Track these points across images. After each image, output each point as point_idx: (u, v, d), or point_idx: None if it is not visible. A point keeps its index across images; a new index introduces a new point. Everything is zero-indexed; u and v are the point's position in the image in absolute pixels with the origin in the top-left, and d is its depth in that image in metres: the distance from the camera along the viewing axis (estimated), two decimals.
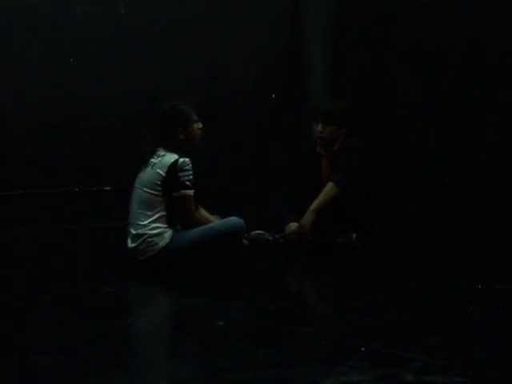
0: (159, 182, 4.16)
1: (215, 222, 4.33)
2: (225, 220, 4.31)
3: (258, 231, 4.85)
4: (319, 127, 4.91)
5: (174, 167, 4.14)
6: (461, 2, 5.73)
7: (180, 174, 4.13)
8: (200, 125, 4.34)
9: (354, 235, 4.69)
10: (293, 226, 4.80)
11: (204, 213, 4.40)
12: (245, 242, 4.52)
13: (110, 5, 6.06)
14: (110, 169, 6.01)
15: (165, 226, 4.18)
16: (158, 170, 4.17)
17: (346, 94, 5.45)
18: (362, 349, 2.63)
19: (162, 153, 4.22)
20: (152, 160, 4.22)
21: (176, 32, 6.28)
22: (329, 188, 4.75)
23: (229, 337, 2.90)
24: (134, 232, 4.19)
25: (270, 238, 4.85)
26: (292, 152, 6.22)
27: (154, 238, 4.14)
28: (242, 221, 4.25)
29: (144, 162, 4.26)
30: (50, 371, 2.50)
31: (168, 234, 4.17)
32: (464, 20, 5.66)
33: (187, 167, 4.14)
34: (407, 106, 6.10)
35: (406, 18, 6.15)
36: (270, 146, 6.61)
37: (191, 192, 4.17)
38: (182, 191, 4.15)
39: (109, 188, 5.99)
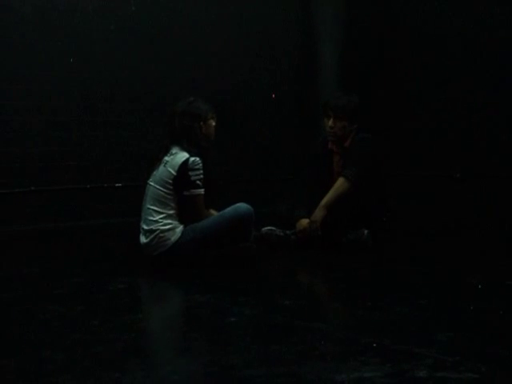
0: (170, 181, 4.17)
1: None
2: (233, 206, 4.30)
3: (269, 227, 4.85)
4: (330, 122, 4.89)
5: (184, 166, 4.15)
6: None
7: (190, 173, 4.14)
8: (214, 123, 4.36)
9: (366, 231, 4.68)
10: (304, 222, 4.79)
11: (214, 212, 4.40)
12: (257, 234, 4.53)
13: (120, 2, 6.08)
14: (121, 165, 6.03)
15: (176, 222, 4.20)
16: (170, 169, 4.18)
17: (357, 90, 5.42)
18: (374, 345, 2.63)
19: (174, 151, 4.23)
20: (165, 158, 4.24)
21: (187, 29, 6.30)
22: (340, 183, 4.74)
23: (240, 333, 2.90)
24: (146, 228, 4.22)
25: (281, 234, 4.85)
26: (303, 148, 6.22)
27: (166, 234, 4.16)
28: (249, 206, 4.25)
29: (158, 159, 4.27)
30: (62, 366, 2.51)
31: (179, 229, 4.19)
32: (471, 18, 5.64)
33: (197, 166, 4.15)
34: (419, 102, 6.08)
35: (418, 16, 6.13)
36: (282, 143, 6.62)
37: (202, 191, 4.19)
38: (193, 190, 4.16)
39: (120, 184, 6.02)
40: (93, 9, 5.98)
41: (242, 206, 4.25)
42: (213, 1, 6.42)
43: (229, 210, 4.27)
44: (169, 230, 4.17)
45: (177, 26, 6.27)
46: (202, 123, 4.29)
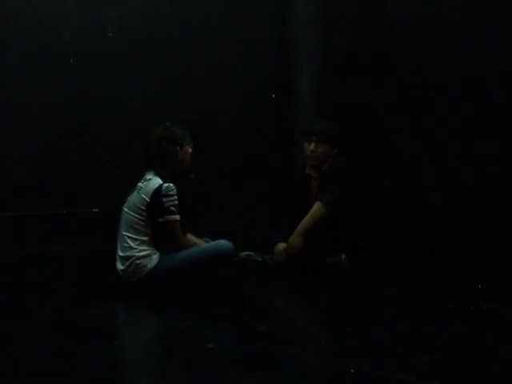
0: (144, 207, 4.15)
1: (204, 244, 4.33)
2: (214, 243, 4.31)
3: (246, 252, 4.85)
4: (312, 146, 4.90)
5: (157, 193, 4.12)
6: (447, 26, 5.79)
7: (164, 199, 4.12)
8: (190, 149, 4.35)
9: (343, 256, 4.69)
10: (281, 246, 4.80)
11: (191, 237, 4.40)
12: (235, 260, 4.53)
13: (98, 28, 6.08)
14: (98, 191, 6.00)
15: (152, 248, 4.17)
16: (143, 195, 4.16)
17: (334, 115, 5.47)
18: (352, 370, 2.63)
19: (148, 177, 4.21)
20: (139, 184, 4.22)
21: (162, 56, 6.31)
22: (316, 208, 4.75)
23: (217, 359, 2.89)
24: (122, 254, 4.19)
25: (259, 259, 4.85)
26: (281, 173, 6.23)
27: (142, 260, 4.13)
28: (231, 244, 4.25)
29: (133, 185, 4.26)
30: None
31: (156, 255, 4.17)
32: (454, 42, 5.72)
33: (171, 192, 4.13)
34: (394, 127, 6.13)
35: (393, 43, 6.20)
36: (259, 168, 6.63)
37: (177, 217, 4.17)
38: (167, 216, 4.14)
39: (97, 210, 5.99)
40: (71, 35, 5.97)
41: (222, 244, 4.25)
42: (189, 26, 6.44)
43: (209, 246, 4.27)
44: (145, 256, 4.15)
45: (152, 52, 6.28)
46: (178, 148, 4.28)
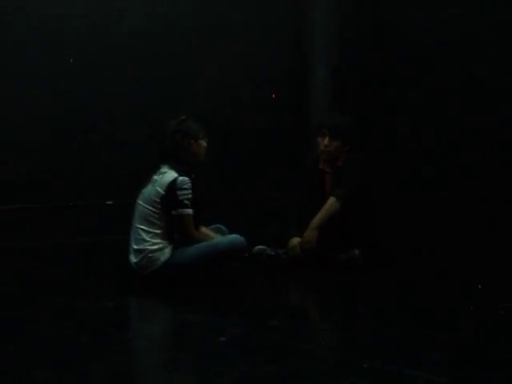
0: (158, 200, 4.16)
1: (217, 238, 4.33)
2: (227, 237, 4.32)
3: (260, 246, 4.85)
4: (325, 141, 4.90)
5: (172, 186, 4.14)
6: (460, 21, 5.76)
7: (178, 192, 4.13)
8: (205, 143, 4.35)
9: (357, 251, 4.68)
10: (295, 241, 4.80)
11: (205, 230, 4.41)
12: (247, 255, 4.53)
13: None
14: (112, 183, 6.01)
15: (165, 241, 4.18)
16: (158, 188, 4.17)
17: (349, 110, 5.46)
18: (364, 365, 2.62)
19: (163, 170, 4.22)
20: (154, 177, 4.23)
21: (179, 51, 6.31)
22: (330, 203, 4.75)
23: (230, 353, 2.89)
24: (135, 247, 4.20)
25: (273, 253, 4.85)
26: (295, 168, 6.23)
27: (156, 253, 4.14)
28: (243, 239, 4.25)
29: (147, 177, 4.27)
30: None
31: (168, 249, 4.18)
32: (469, 37, 5.69)
33: (186, 186, 4.14)
34: (409, 123, 6.12)
35: (407, 41, 6.20)
36: (273, 162, 6.63)
37: (190, 211, 4.17)
38: (181, 210, 4.15)
39: (111, 202, 6.00)
40: (85, 29, 5.99)
41: (235, 239, 4.25)
42: (204, 23, 6.44)
43: (223, 241, 4.27)
44: (158, 249, 4.15)
45: (170, 46, 6.28)
46: (192, 141, 4.29)
